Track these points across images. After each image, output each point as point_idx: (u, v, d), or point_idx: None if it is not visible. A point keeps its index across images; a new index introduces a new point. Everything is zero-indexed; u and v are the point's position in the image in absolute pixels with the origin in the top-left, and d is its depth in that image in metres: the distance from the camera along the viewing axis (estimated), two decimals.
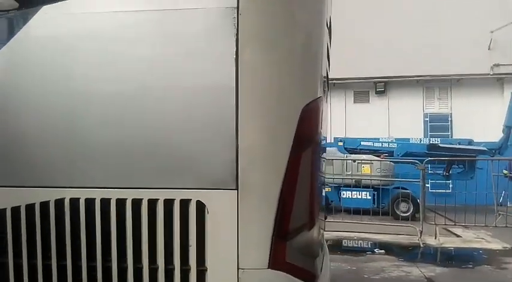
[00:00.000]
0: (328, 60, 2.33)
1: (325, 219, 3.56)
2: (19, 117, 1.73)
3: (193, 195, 1.64)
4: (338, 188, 10.53)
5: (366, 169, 10.25)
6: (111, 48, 1.69)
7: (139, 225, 1.67)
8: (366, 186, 9.94)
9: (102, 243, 1.68)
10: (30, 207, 1.70)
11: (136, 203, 1.66)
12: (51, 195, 1.69)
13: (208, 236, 1.65)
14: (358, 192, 10.19)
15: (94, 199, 1.67)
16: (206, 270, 1.65)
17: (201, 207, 1.64)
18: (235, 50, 1.61)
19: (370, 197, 10.07)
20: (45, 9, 1.74)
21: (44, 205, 1.69)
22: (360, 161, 10.42)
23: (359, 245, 7.50)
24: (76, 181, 1.69)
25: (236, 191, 1.62)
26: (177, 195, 1.65)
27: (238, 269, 1.63)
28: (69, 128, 1.70)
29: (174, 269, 1.66)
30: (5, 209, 1.71)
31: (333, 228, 7.40)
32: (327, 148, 6.21)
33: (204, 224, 1.64)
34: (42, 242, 1.70)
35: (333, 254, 5.19)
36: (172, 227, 1.66)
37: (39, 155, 1.72)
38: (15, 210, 1.71)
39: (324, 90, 2.03)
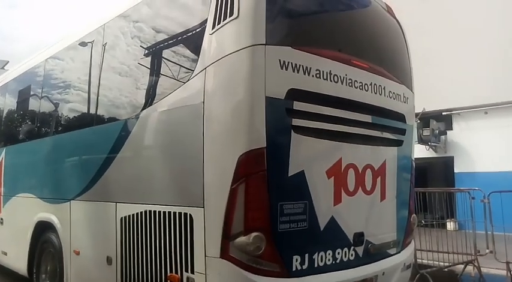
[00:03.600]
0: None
1: None
2: (134, 169, 3.49)
3: (188, 210, 2.90)
4: None
5: None
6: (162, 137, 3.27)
7: (165, 225, 3.08)
8: None
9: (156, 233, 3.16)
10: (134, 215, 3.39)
11: (163, 213, 3.10)
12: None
13: (194, 234, 2.84)
14: None
15: (152, 210, 3.21)
16: (193, 254, 2.83)
17: (191, 217, 2.87)
18: (202, 127, 2.83)
19: None
20: (142, 113, 3.44)
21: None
22: None
23: None
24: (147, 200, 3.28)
25: (203, 208, 2.78)
26: (181, 210, 2.95)
27: (205, 256, 2.74)
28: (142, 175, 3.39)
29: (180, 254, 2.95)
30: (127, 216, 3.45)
31: None
32: None
33: (193, 227, 2.86)
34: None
35: None
36: (181, 228, 2.95)
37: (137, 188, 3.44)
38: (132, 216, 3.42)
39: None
